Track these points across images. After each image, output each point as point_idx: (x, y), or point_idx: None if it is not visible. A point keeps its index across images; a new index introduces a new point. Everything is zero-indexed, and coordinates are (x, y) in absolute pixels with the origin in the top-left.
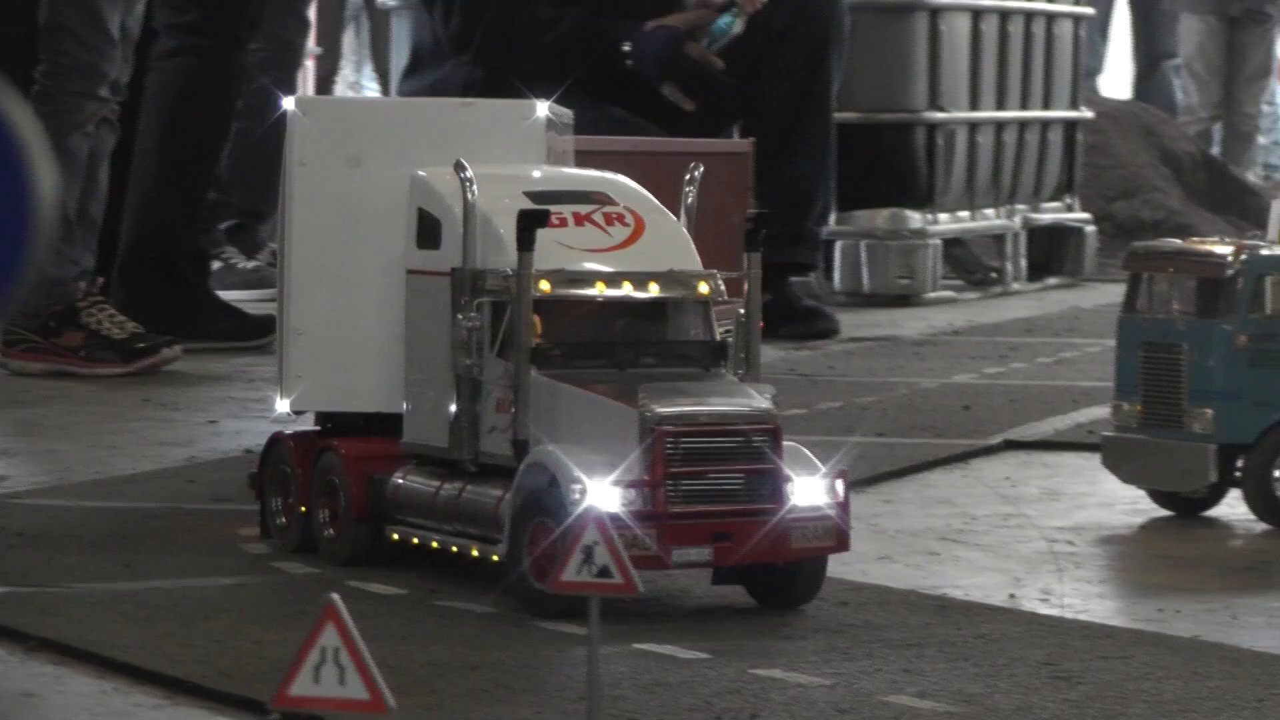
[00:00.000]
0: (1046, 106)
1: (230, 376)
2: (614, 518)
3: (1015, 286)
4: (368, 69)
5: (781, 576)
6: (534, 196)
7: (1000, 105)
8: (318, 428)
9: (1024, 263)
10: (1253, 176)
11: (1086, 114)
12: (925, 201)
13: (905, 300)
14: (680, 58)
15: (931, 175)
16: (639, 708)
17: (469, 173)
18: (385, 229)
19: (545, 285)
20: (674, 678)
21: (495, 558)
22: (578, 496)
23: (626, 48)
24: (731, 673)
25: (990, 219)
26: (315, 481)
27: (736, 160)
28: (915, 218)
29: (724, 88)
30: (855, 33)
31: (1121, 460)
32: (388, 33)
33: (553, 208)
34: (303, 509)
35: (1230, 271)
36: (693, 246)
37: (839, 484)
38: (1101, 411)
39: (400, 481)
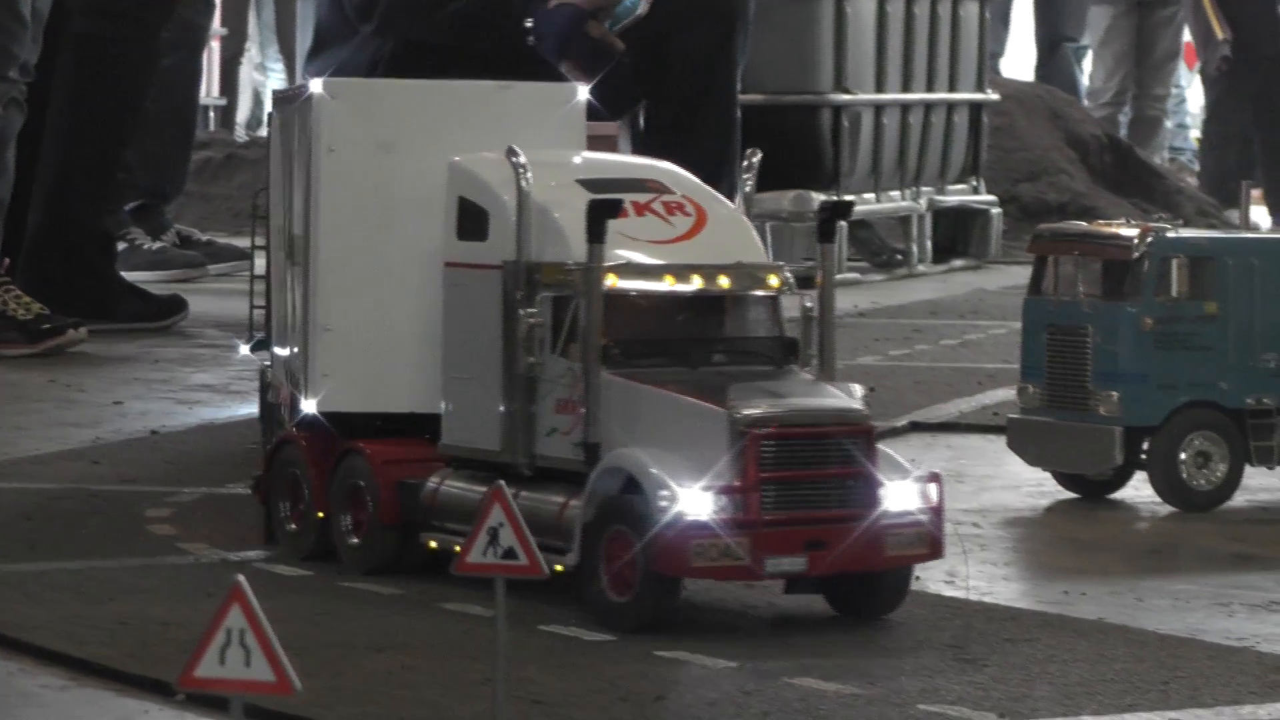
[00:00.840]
0: (952, 89)
1: (136, 358)
2: (705, 526)
3: (920, 268)
4: (273, 50)
5: (866, 585)
6: (588, 184)
7: (906, 87)
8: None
9: (929, 245)
10: (1159, 160)
11: (992, 96)
12: (830, 183)
13: (809, 282)
14: (580, 36)
15: (837, 157)
16: (545, 690)
17: (522, 159)
18: (418, 218)
19: (612, 280)
20: (580, 660)
21: (559, 568)
22: (665, 504)
23: (529, 23)
24: (637, 655)
25: (895, 201)
26: (336, 485)
27: (603, 145)
28: (820, 199)
29: (624, 69)
30: (760, 14)
31: (1027, 443)
32: (293, 12)
33: (607, 196)
34: (320, 514)
35: (1136, 254)
36: (756, 236)
37: (931, 488)
38: (1007, 394)
39: (439, 486)
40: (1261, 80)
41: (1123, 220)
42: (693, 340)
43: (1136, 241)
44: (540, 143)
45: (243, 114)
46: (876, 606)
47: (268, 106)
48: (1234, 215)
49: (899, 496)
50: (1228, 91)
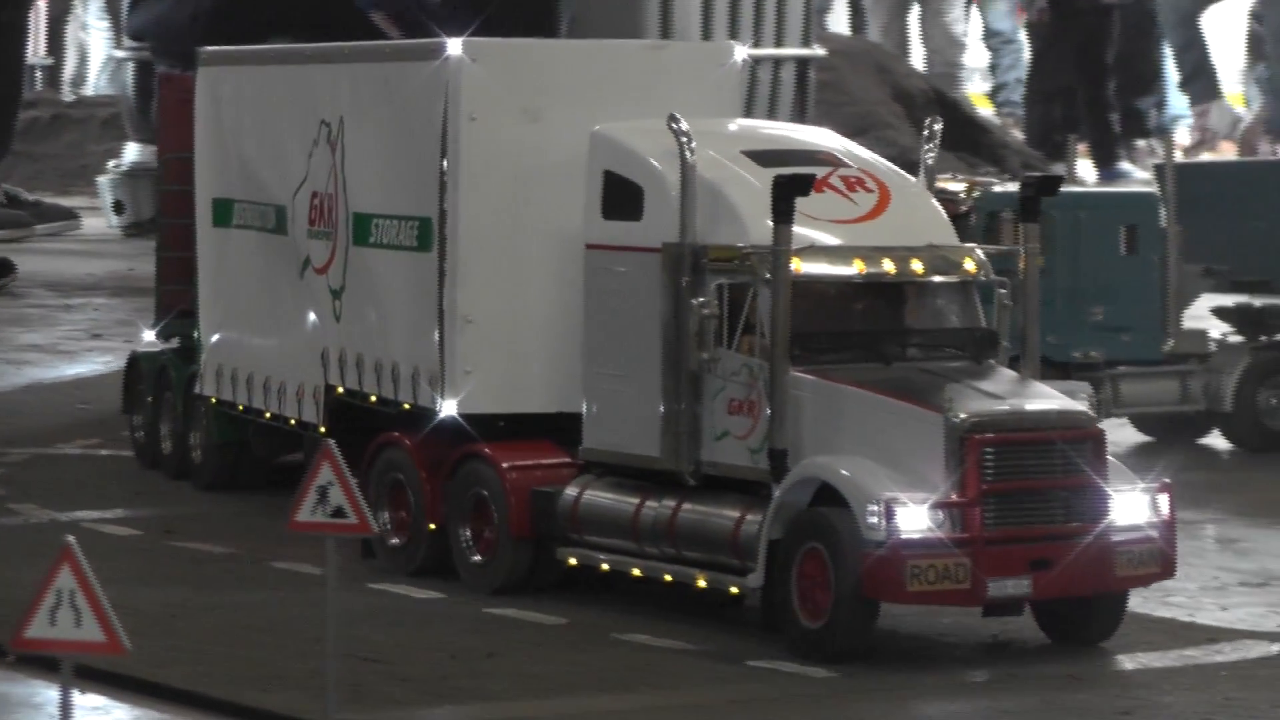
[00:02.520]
0: (779, 43)
1: None
2: (923, 545)
3: None
4: (97, 7)
5: (1080, 607)
6: (756, 157)
7: (732, 39)
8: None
9: None
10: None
11: (819, 51)
12: None
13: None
14: None
15: None
16: (377, 648)
17: (684, 125)
18: (568, 195)
19: (797, 265)
20: (411, 618)
21: (734, 590)
22: (875, 520)
23: None
24: (468, 613)
25: None
26: (454, 495)
27: (160, 100)
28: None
29: (434, 19)
30: None
31: None
32: None
33: (779, 171)
34: (431, 526)
35: (964, 208)
36: (945, 215)
37: (1163, 498)
38: None
39: (582, 496)
40: (1082, 33)
41: (950, 175)
42: (883, 332)
43: (964, 195)
44: (697, 107)
45: (69, 72)
46: (1091, 631)
47: (94, 66)
48: (1059, 169)
49: (1128, 508)
50: (1050, 45)
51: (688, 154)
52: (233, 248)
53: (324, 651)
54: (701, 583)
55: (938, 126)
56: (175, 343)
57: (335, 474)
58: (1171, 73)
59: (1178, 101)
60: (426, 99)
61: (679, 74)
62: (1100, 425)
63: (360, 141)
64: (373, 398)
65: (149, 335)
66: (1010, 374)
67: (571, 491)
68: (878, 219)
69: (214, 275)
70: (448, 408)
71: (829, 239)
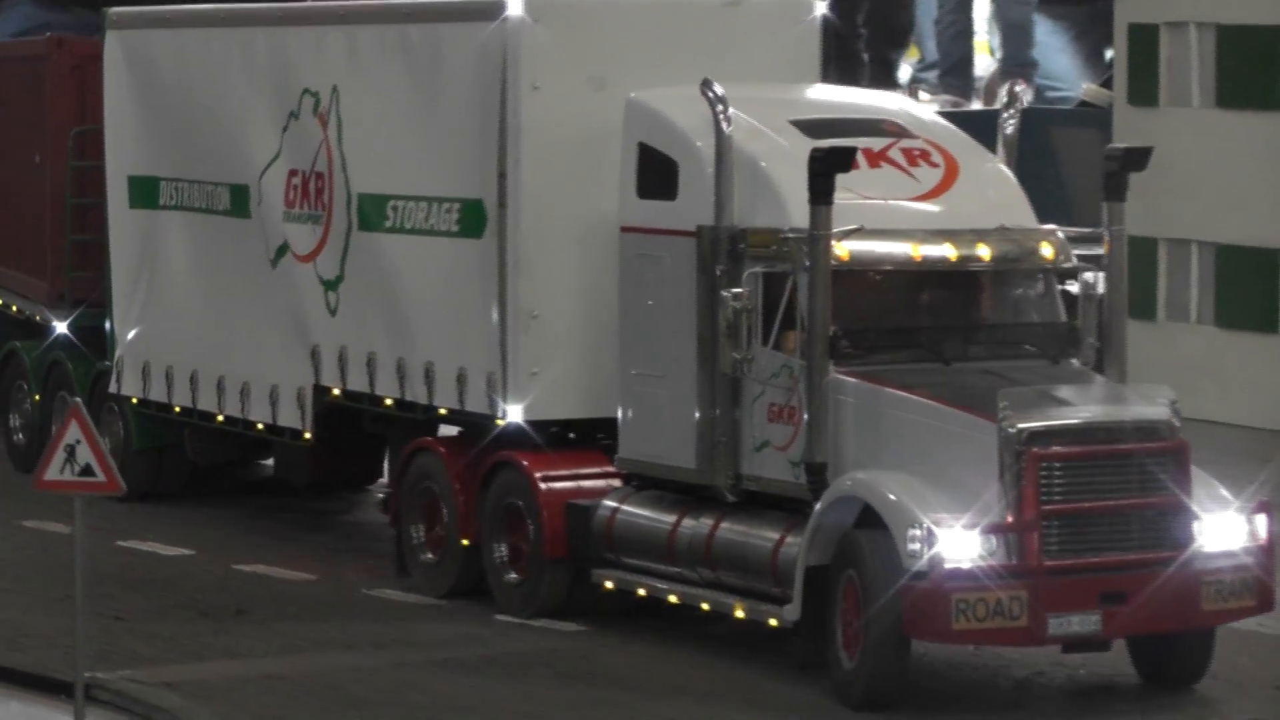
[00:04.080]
0: None
1: None
2: (970, 576)
3: None
4: None
5: (1164, 643)
6: (806, 127)
7: None
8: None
9: None
10: None
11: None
12: None
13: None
14: None
15: None
16: (125, 605)
17: (718, 91)
18: None
19: (842, 251)
20: (159, 574)
21: (774, 622)
22: (916, 546)
23: None
24: (217, 569)
25: None
26: (488, 507)
27: (34, 67)
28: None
29: None
30: None
31: None
32: None
33: (830, 143)
34: (465, 542)
35: None
36: (1022, 193)
37: (1260, 520)
38: None
39: (618, 512)
40: None
41: None
42: (944, 328)
43: None
44: (772, 69)
45: None
46: (1178, 670)
47: None
48: None
49: (1218, 532)
50: None
51: (723, 124)
52: (161, 231)
53: (73, 610)
54: (739, 613)
55: (1020, 89)
56: (59, 334)
57: (83, 433)
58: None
59: (932, 54)
60: (477, 65)
61: (754, 33)
62: (1184, 436)
63: (366, 114)
64: (387, 401)
65: (61, 328)
66: (1092, 376)
67: (607, 506)
68: (942, 197)
69: (132, 262)
70: (513, 413)
71: (883, 221)
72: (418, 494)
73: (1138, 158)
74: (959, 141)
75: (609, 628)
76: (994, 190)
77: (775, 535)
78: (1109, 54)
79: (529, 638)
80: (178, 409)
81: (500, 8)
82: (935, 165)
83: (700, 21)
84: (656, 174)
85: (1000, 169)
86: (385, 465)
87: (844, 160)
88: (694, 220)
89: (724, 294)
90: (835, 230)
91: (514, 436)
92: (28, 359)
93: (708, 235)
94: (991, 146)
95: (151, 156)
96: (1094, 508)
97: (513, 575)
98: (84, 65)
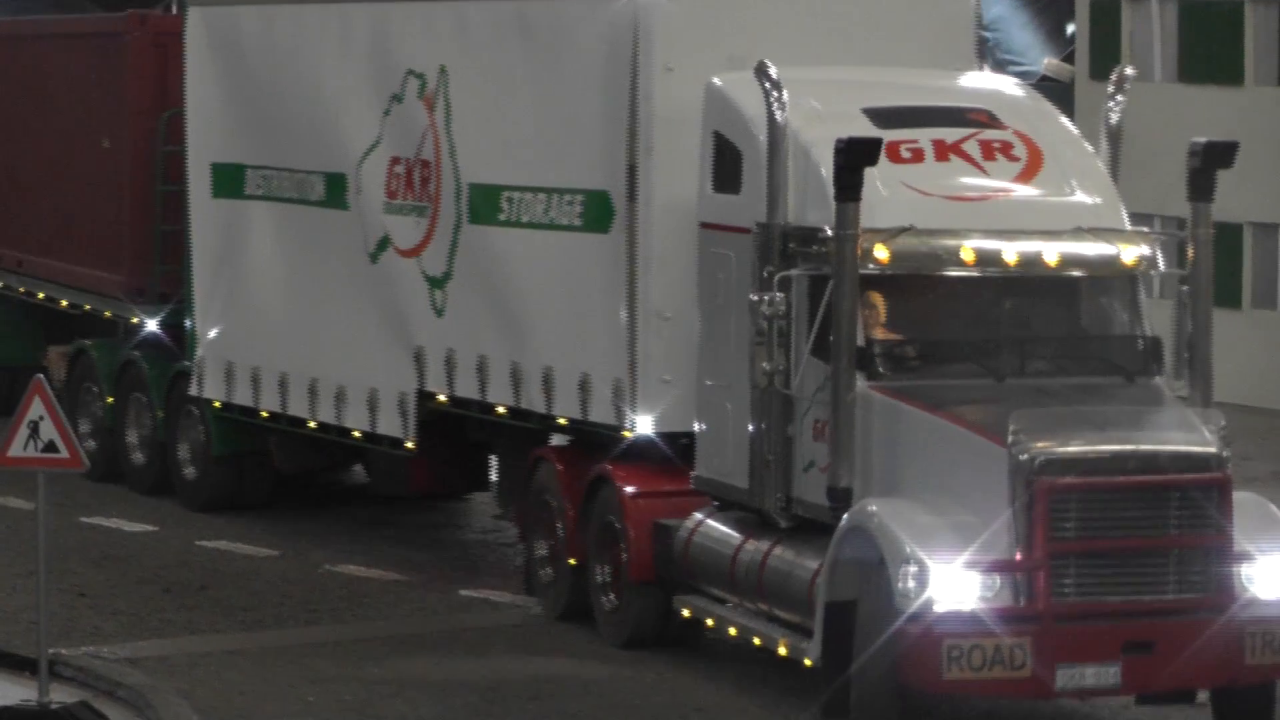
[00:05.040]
0: None
1: None
2: (967, 620)
3: None
4: None
5: (1218, 697)
6: (878, 116)
7: None
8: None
9: None
10: None
11: None
12: None
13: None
14: None
15: None
16: (88, 581)
17: (773, 73)
18: None
19: (883, 252)
20: (122, 551)
21: (808, 661)
22: (911, 584)
23: None
24: (179, 545)
25: None
26: (590, 523)
27: (109, 45)
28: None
29: None
30: None
31: None
32: None
33: (902, 133)
34: (571, 561)
35: None
36: (1114, 189)
37: None
38: None
39: (694, 533)
40: None
41: None
42: (998, 340)
43: None
44: (923, 53)
45: None
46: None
47: None
48: None
49: (1268, 575)
50: None
51: (777, 111)
52: (247, 223)
53: (36, 586)
54: (782, 650)
55: (1130, 72)
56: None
57: (47, 408)
58: None
59: None
60: (604, 45)
61: (905, 14)
62: (1229, 469)
63: (478, 97)
64: (500, 408)
65: (151, 325)
66: (1161, 398)
67: (687, 527)
68: (1015, 195)
69: (215, 255)
70: (643, 425)
71: (939, 219)
72: (538, 507)
73: (1223, 153)
74: (1055, 134)
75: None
76: (1079, 187)
77: (815, 566)
78: (1070, 29)
79: (490, 614)
80: (265, 414)
81: None
82: (1015, 159)
83: (846, 1)
84: (728, 166)
85: (1094, 164)
86: (491, 475)
87: (870, 152)
88: (755, 217)
89: (753, 299)
90: (880, 229)
91: (621, 448)
92: (98, 359)
93: (760, 233)
94: None
95: (237, 142)
96: (1115, 546)
97: (610, 598)
98: (166, 44)
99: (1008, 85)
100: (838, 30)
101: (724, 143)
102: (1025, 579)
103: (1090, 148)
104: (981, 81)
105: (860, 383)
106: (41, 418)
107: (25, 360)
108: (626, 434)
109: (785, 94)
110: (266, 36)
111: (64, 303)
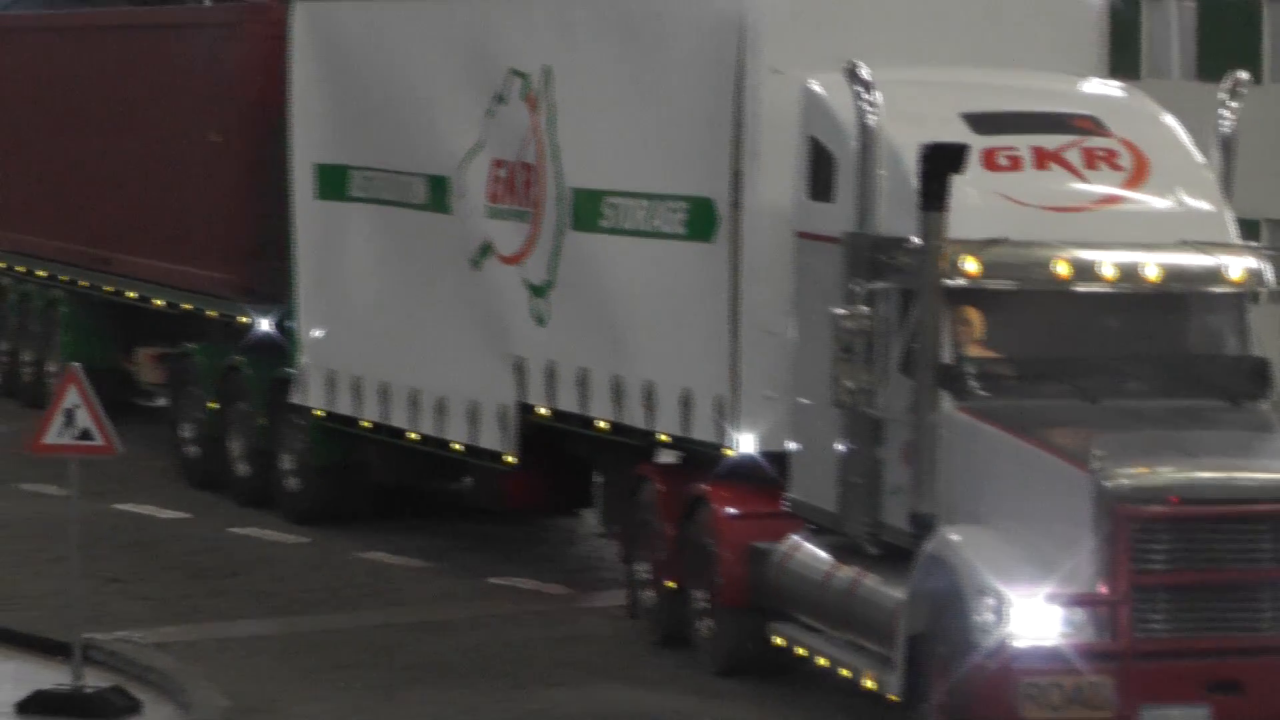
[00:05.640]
0: None
1: None
2: (1045, 656)
3: None
4: None
5: None
6: (977, 120)
7: None
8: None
9: None
10: None
11: None
12: None
13: None
14: None
15: None
16: (119, 567)
17: (864, 74)
18: None
19: (972, 264)
20: (154, 537)
21: (893, 697)
22: (989, 617)
23: None
24: (210, 532)
25: None
26: (687, 544)
27: (222, 36)
28: None
29: None
30: None
31: None
32: None
33: (1000, 140)
34: (669, 584)
35: None
36: (1223, 200)
37: None
38: None
39: (787, 558)
40: None
41: None
42: (1093, 359)
43: None
44: (1047, 57)
45: None
46: None
47: None
48: None
49: None
50: None
51: (868, 115)
52: (350, 226)
53: (69, 572)
54: (868, 683)
55: (1244, 76)
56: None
57: (82, 397)
58: None
59: None
60: (708, 44)
61: (1027, 15)
62: None
63: (581, 98)
64: (601, 424)
65: (265, 325)
66: (1270, 423)
67: (780, 550)
68: (1118, 205)
69: (318, 259)
70: (744, 443)
71: (1034, 230)
72: (641, 527)
73: None
74: (1163, 141)
75: (596, 590)
76: (1185, 198)
77: (900, 595)
78: None
79: (515, 599)
80: (366, 424)
81: None
82: (1119, 169)
83: (964, 2)
84: (822, 172)
85: (1202, 174)
86: (596, 491)
87: (955, 159)
88: (847, 226)
89: (837, 312)
90: (971, 240)
91: (722, 468)
92: (201, 363)
93: (849, 243)
94: None
95: (340, 143)
96: (1204, 579)
97: (708, 624)
98: (282, 36)
99: (1117, 89)
100: (954, 31)
101: (819, 148)
102: (1107, 614)
103: (1200, 157)
104: (1091, 86)
105: (946, 402)
106: (77, 406)
107: (105, 361)
108: (728, 452)
109: (877, 96)
110: (368, 31)
111: (158, 302)
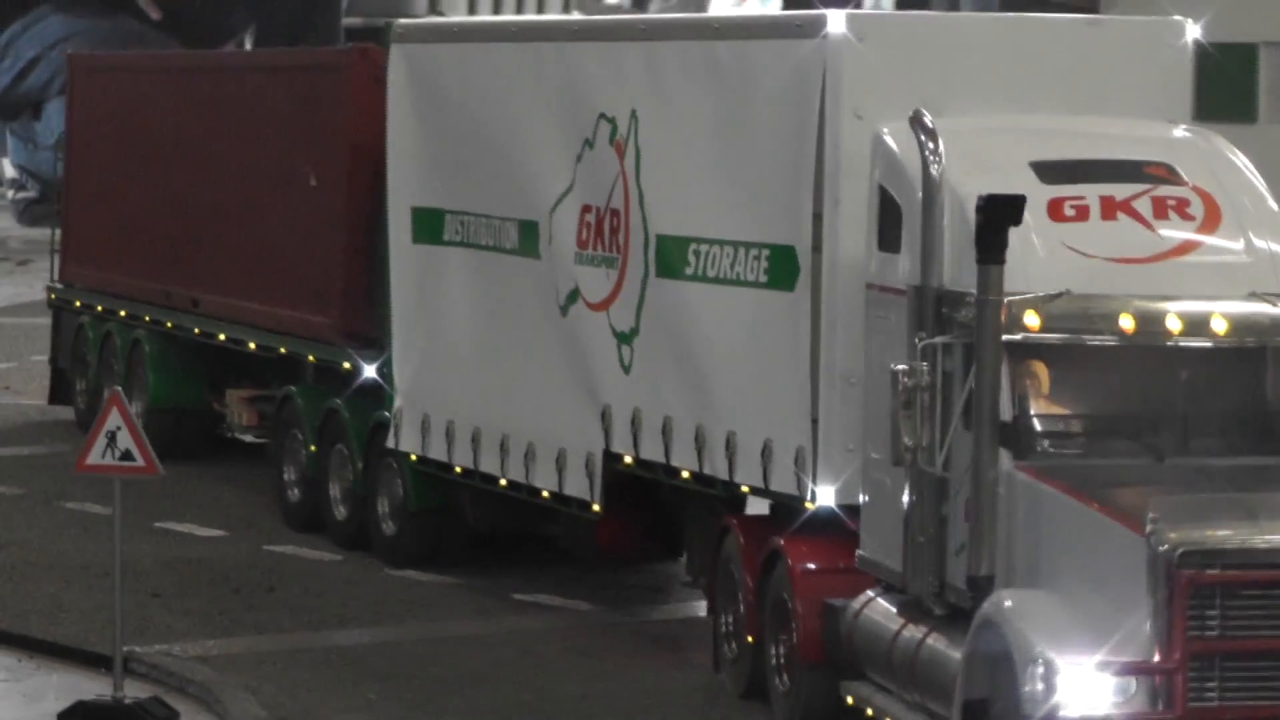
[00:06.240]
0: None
1: None
2: None
3: None
4: None
5: None
6: (1045, 170)
7: (497, 9)
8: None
9: None
10: None
11: None
12: None
13: None
14: None
15: None
16: (161, 583)
17: (927, 122)
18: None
19: (1034, 318)
20: (193, 554)
21: None
22: (1039, 686)
23: None
24: (248, 549)
25: None
26: (765, 598)
27: (324, 79)
28: None
29: None
30: None
31: None
32: None
33: (1068, 189)
34: (750, 639)
35: None
36: None
37: None
38: None
39: (859, 615)
40: None
41: None
42: (1159, 416)
43: None
44: (1136, 103)
45: None
46: None
47: None
48: None
49: None
50: None
51: (932, 165)
52: (444, 269)
53: (112, 587)
54: None
55: None
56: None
57: (123, 418)
58: None
59: None
60: (792, 89)
61: (1116, 59)
62: None
63: (667, 143)
64: (684, 474)
65: (369, 371)
66: None
67: (854, 606)
68: (1188, 255)
69: (414, 303)
70: (823, 496)
71: (1098, 283)
72: (725, 578)
73: None
74: (1239, 189)
75: (620, 607)
76: (1258, 248)
77: (960, 657)
78: None
79: (543, 615)
80: (459, 469)
81: (820, 24)
82: (1189, 218)
83: (1051, 43)
84: (890, 222)
85: (1278, 221)
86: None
87: (1013, 210)
88: (910, 278)
89: (893, 369)
90: (1033, 294)
91: (801, 521)
92: (303, 406)
93: (913, 296)
94: None
95: (436, 186)
96: (1263, 647)
97: (785, 680)
98: (382, 79)
99: (1196, 134)
100: (1037, 76)
101: (887, 197)
102: (1163, 682)
103: (1276, 205)
104: (1167, 130)
105: (1005, 461)
106: (119, 428)
107: (193, 403)
108: (808, 506)
109: (941, 145)
110: (462, 74)
111: (252, 345)
